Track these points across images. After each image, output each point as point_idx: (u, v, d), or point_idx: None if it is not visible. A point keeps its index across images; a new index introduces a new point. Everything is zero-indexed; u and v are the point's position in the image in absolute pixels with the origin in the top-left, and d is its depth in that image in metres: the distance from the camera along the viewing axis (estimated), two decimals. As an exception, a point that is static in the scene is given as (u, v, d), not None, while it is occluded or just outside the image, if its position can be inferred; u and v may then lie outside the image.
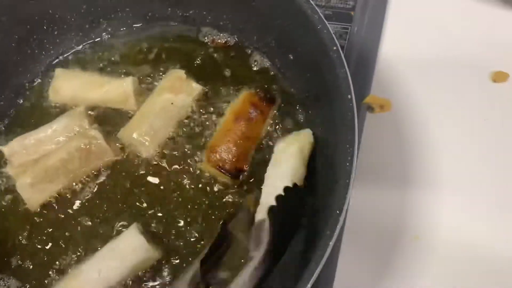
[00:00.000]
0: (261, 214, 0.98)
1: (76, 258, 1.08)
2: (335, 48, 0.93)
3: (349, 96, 0.89)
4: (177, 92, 1.18)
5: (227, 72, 1.23)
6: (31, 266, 1.09)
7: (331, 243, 0.79)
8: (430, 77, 1.34)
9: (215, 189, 1.12)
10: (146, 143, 1.15)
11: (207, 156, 1.12)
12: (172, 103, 1.16)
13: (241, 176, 1.11)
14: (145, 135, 1.15)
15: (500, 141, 1.24)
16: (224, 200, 1.11)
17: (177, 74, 1.22)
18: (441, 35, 1.39)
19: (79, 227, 1.11)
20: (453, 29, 1.39)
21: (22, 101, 1.27)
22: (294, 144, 1.07)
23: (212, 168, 1.11)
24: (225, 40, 1.27)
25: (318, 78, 1.04)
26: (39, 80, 1.29)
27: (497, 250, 1.14)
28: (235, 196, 1.11)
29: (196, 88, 1.20)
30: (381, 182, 1.23)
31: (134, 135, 1.15)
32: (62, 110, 1.25)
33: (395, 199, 1.21)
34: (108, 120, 1.22)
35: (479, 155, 1.24)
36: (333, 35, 0.95)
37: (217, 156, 1.11)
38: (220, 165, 1.10)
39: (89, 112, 1.23)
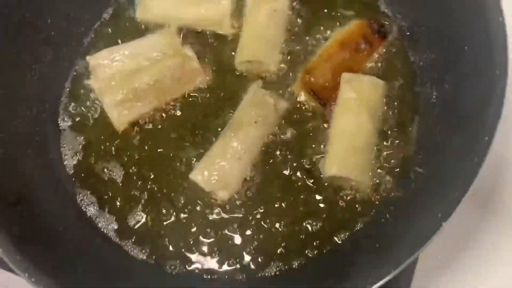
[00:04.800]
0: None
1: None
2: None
3: (500, 19, 0.81)
4: None
5: (335, 1, 1.15)
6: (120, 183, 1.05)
7: (480, 170, 0.73)
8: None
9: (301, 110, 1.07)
10: (270, 55, 1.09)
11: (302, 78, 1.06)
12: (275, 10, 1.10)
13: (330, 106, 1.05)
14: (265, 48, 1.09)
15: None
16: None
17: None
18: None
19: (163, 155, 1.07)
20: None
21: (108, 16, 1.20)
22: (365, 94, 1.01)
23: (303, 90, 1.06)
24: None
25: (444, 6, 0.96)
26: (127, -5, 1.21)
27: None
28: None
29: None
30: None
31: (257, 53, 1.09)
32: (150, 29, 1.17)
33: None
34: (200, 42, 1.15)
35: None
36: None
37: (312, 79, 1.05)
38: (313, 89, 1.05)
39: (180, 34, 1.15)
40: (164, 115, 1.09)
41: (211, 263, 0.98)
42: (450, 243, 1.08)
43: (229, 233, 0.99)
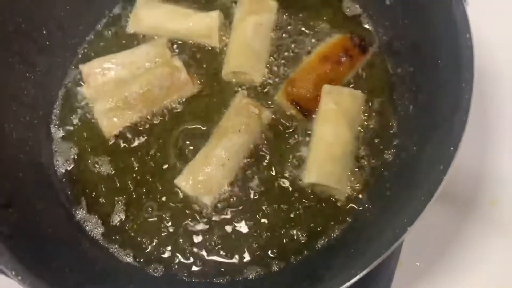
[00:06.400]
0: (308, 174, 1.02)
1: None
2: (451, -15, 0.89)
3: (467, 35, 0.85)
4: (259, 12, 1.16)
5: (318, 16, 1.20)
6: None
7: (446, 177, 0.77)
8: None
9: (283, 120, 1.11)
10: (256, 67, 1.13)
11: (285, 88, 1.10)
12: (261, 24, 1.15)
13: (311, 116, 1.09)
14: (251, 59, 1.13)
15: None
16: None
17: (250, -3, 1.20)
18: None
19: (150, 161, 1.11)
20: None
21: (100, 27, 1.25)
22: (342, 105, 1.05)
23: (286, 101, 1.10)
24: (314, -16, 1.23)
25: (420, 22, 1.00)
26: (119, 8, 1.26)
27: None
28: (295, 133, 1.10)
29: (273, 4, 1.19)
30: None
31: (243, 64, 1.13)
32: (141, 40, 1.22)
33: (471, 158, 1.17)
34: (189, 53, 1.20)
35: None
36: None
37: (294, 90, 1.09)
38: (295, 100, 1.09)
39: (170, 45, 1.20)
40: (153, 122, 1.13)
41: (193, 266, 1.01)
42: (429, 247, 1.12)
43: (211, 238, 1.03)
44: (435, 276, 1.11)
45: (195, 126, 1.12)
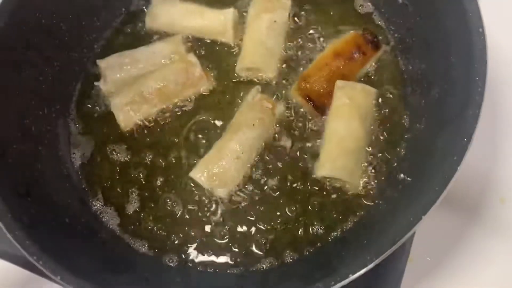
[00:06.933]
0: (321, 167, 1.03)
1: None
2: (463, -19, 0.91)
3: (480, 30, 0.87)
4: (273, 10, 1.18)
5: (331, 13, 1.22)
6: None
7: (459, 168, 0.78)
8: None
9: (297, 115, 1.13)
10: (269, 63, 1.16)
11: (298, 84, 1.12)
12: (275, 21, 1.17)
13: (324, 111, 1.11)
14: (264, 56, 1.15)
15: None
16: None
17: (264, -5, 1.22)
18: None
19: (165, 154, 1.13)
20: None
21: (117, 24, 1.28)
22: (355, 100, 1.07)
23: (299, 96, 1.11)
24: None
25: (432, 18, 1.02)
26: (136, 5, 1.29)
27: None
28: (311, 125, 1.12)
29: (287, 2, 1.21)
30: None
31: (257, 60, 1.15)
32: (157, 37, 1.25)
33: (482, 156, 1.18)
34: (204, 50, 1.22)
35: None
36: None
37: (308, 86, 1.11)
38: (308, 95, 1.10)
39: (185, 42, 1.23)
40: (168, 117, 1.15)
41: (206, 256, 1.03)
42: (439, 244, 1.13)
43: (224, 229, 1.05)
44: (445, 272, 1.12)
45: (209, 121, 1.15)
